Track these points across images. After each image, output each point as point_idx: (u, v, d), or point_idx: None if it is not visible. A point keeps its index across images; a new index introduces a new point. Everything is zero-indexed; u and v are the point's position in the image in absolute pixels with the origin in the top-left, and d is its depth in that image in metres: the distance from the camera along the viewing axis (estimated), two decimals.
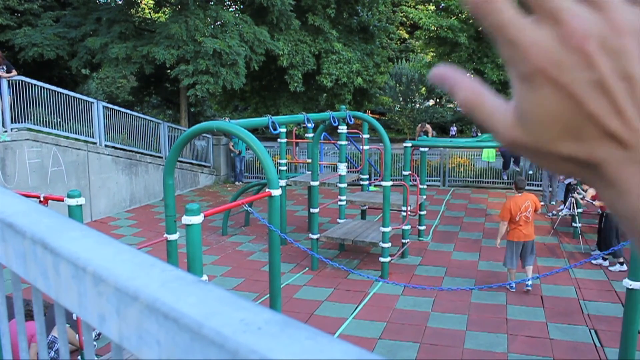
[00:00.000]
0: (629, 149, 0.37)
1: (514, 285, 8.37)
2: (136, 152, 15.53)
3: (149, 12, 24.22)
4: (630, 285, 5.09)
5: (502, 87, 18.73)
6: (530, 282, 8.35)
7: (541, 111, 0.38)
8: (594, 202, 9.89)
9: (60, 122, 13.55)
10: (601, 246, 9.44)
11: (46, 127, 13.05)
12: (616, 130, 0.37)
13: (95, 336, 5.66)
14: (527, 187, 15.96)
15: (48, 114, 13.33)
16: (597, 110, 0.36)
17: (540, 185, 15.76)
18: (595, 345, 6.81)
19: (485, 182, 17.41)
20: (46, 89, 13.30)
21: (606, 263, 9.54)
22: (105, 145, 14.31)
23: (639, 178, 0.37)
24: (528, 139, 0.39)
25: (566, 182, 12.91)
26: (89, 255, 0.58)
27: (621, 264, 9.42)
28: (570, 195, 11.13)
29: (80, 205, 5.46)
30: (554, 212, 12.86)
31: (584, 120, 0.37)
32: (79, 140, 13.51)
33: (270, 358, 0.38)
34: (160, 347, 0.47)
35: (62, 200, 5.56)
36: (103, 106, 14.58)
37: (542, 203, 14.51)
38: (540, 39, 0.37)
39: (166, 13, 21.97)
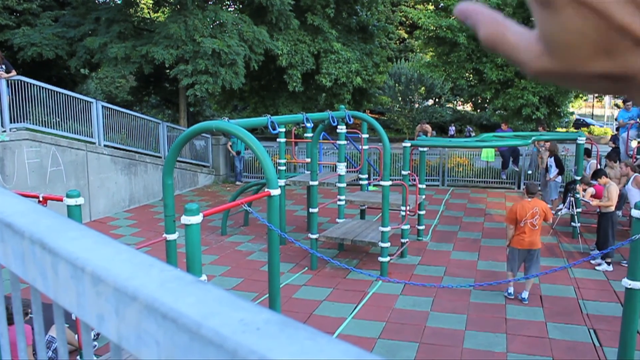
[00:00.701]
0: None
1: (511, 292, 8.15)
2: (135, 152, 15.53)
3: (148, 12, 24.22)
4: (630, 284, 5.09)
5: (502, 87, 18.73)
6: (526, 296, 8.01)
7: (568, 34, 0.37)
8: (591, 202, 9.88)
9: (59, 121, 13.54)
10: (600, 245, 9.47)
11: (45, 127, 13.04)
12: None
13: (94, 336, 5.66)
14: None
15: (47, 114, 13.32)
16: (626, 20, 0.35)
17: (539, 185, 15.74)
18: (595, 345, 6.82)
19: (485, 182, 17.42)
20: (45, 88, 13.29)
21: (596, 262, 9.58)
22: (105, 145, 14.30)
23: None
24: (558, 64, 0.38)
25: (557, 180, 12.93)
26: (87, 255, 0.58)
27: (608, 263, 9.47)
28: (570, 195, 11.14)
29: (79, 205, 5.46)
30: (553, 212, 12.87)
31: (614, 34, 0.36)
32: (78, 140, 13.50)
33: (269, 358, 0.38)
34: (159, 347, 0.47)
35: (61, 200, 5.56)
36: (102, 106, 14.56)
37: None
38: None
39: (165, 13, 21.97)
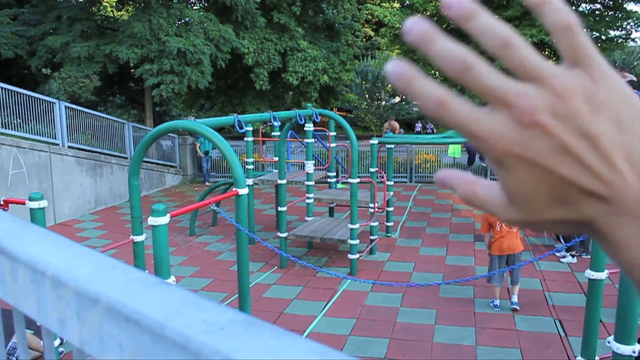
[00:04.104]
0: (609, 201, 0.38)
1: (498, 304, 7.74)
2: (100, 152, 15.28)
3: (112, 10, 23.81)
4: (592, 275, 5.21)
5: None
6: (516, 300, 7.72)
7: (522, 188, 0.40)
8: None
9: (20, 123, 13.24)
10: (560, 238, 9.70)
11: (6, 128, 12.74)
12: (591, 187, 0.38)
13: (61, 341, 5.55)
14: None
15: (7, 115, 13.01)
16: (568, 173, 0.38)
17: None
18: (560, 335, 6.97)
19: None
20: (5, 89, 12.98)
21: (561, 254, 9.81)
22: (68, 147, 14.04)
23: (627, 229, 0.38)
24: (521, 214, 0.41)
25: None
26: (48, 259, 0.57)
27: (572, 256, 9.70)
28: None
29: (43, 208, 5.36)
30: None
31: (560, 185, 0.39)
32: (40, 141, 13.22)
33: (233, 358, 0.38)
34: (122, 350, 0.47)
35: (24, 204, 5.43)
36: (65, 106, 14.29)
37: None
38: (497, 125, 0.39)
39: (129, 11, 21.64)
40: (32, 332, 5.65)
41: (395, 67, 0.41)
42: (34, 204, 5.29)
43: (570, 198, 0.39)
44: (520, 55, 0.39)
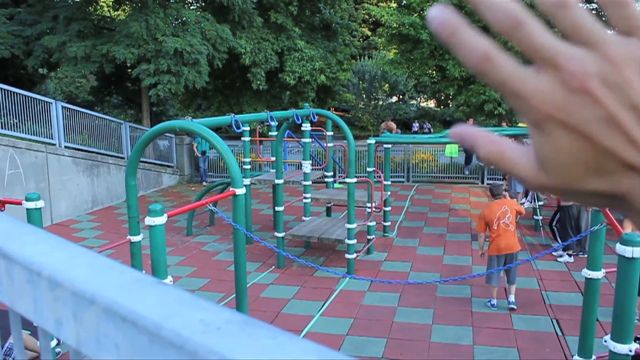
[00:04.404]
0: None
1: (495, 303, 7.72)
2: (97, 153, 15.25)
3: (108, 10, 23.75)
4: (589, 275, 5.23)
5: (465, 83, 18.98)
6: (513, 299, 7.70)
7: (559, 154, 0.39)
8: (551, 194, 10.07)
9: (17, 123, 13.21)
10: (556, 237, 9.73)
11: (2, 128, 12.71)
12: (634, 161, 0.37)
13: (58, 342, 5.54)
14: (488, 181, 16.25)
15: (4, 115, 12.98)
16: (611, 145, 0.37)
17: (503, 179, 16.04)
18: (557, 334, 6.99)
19: (449, 177, 17.66)
20: (1, 89, 12.94)
21: (558, 253, 9.83)
22: (65, 147, 14.01)
23: None
24: (553, 181, 0.40)
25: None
26: (44, 259, 0.57)
27: (569, 255, 9.73)
28: None
29: (39, 208, 5.35)
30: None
31: (601, 156, 0.38)
32: (37, 141, 13.20)
33: (229, 358, 0.38)
34: (118, 350, 0.47)
35: (20, 204, 5.43)
36: (62, 106, 14.27)
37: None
38: (542, 86, 0.38)
39: (126, 11, 21.59)
40: (29, 332, 5.64)
41: (440, 13, 0.39)
42: (31, 204, 5.28)
43: (609, 170, 0.38)
44: (575, 16, 0.38)
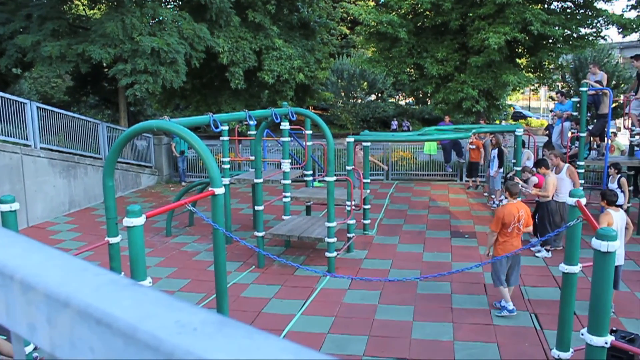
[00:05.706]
0: None
1: (513, 309, 7.45)
2: (74, 153, 15.05)
3: (84, 9, 23.43)
4: (566, 269, 5.30)
5: (442, 81, 19.09)
6: (504, 303, 7.55)
7: None
8: (530, 191, 10.15)
9: None
10: (537, 233, 9.83)
11: None
12: None
13: (35, 346, 5.46)
14: (465, 177, 16.38)
15: None
16: None
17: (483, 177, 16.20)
18: (536, 329, 7.07)
19: (428, 175, 17.78)
20: None
21: (536, 249, 9.95)
22: (41, 148, 13.81)
23: None
24: None
25: (492, 174, 13.38)
26: (17, 263, 0.56)
27: (547, 250, 9.86)
28: None
29: (15, 210, 5.26)
30: (496, 202, 13.25)
31: None
32: (11, 143, 12.98)
33: (206, 358, 0.38)
34: (94, 353, 0.46)
35: None
36: (37, 107, 14.05)
37: (485, 194, 14.93)
38: None
39: (101, 10, 21.33)
40: (4, 337, 5.55)
41: None
42: (5, 207, 5.20)
43: None
44: None
